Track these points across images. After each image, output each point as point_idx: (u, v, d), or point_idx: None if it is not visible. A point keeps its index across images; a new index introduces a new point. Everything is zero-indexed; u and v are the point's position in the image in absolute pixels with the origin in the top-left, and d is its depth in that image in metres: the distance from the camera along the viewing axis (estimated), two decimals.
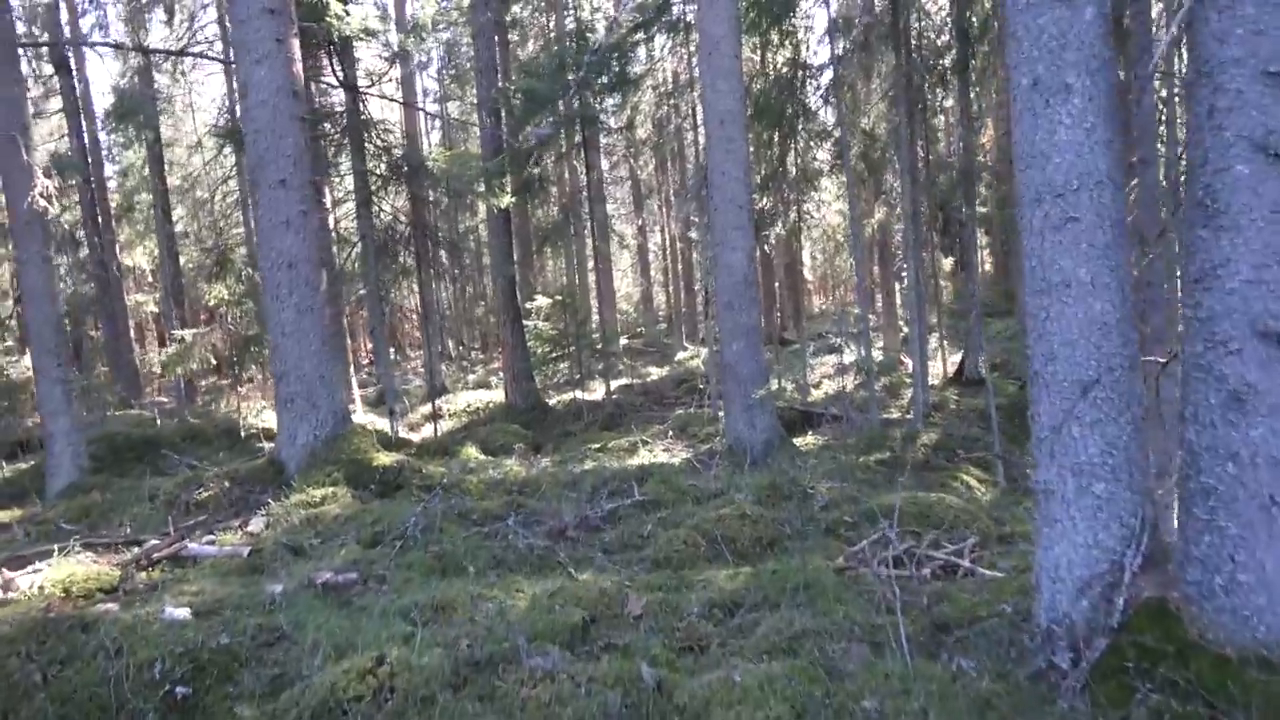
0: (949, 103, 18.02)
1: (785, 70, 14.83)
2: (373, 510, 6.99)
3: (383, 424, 16.66)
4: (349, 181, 16.27)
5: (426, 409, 19.23)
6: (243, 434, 12.40)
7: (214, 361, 13.27)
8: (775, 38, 14.80)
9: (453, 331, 34.26)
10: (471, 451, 12.01)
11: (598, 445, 12.99)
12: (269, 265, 8.29)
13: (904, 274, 26.90)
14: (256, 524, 6.93)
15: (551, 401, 18.95)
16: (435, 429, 13.71)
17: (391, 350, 35.05)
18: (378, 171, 12.99)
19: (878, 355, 22.75)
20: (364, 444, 8.41)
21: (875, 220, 19.70)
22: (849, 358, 23.26)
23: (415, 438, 15.68)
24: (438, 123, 30.95)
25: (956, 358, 19.99)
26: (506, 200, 13.55)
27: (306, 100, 11.81)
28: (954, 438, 12.64)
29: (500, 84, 16.75)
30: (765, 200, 15.83)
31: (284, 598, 5.02)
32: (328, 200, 16.26)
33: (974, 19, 16.09)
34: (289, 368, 8.29)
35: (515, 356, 17.33)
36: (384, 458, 8.42)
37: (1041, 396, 3.39)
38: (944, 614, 4.25)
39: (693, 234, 23.12)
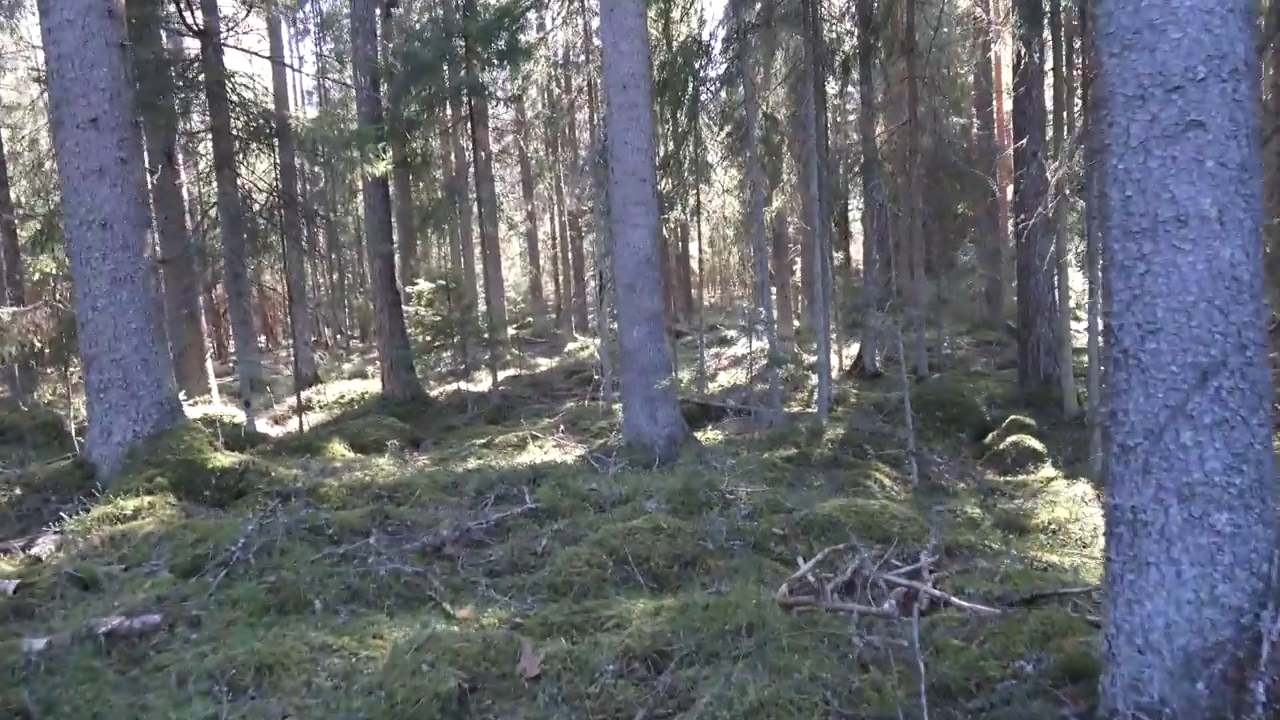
0: (850, 89, 17.34)
1: (690, 42, 13.74)
2: (199, 526, 5.52)
3: (243, 418, 14.87)
4: (207, 147, 14.41)
5: (300, 398, 17.44)
6: (71, 429, 10.56)
7: (37, 345, 11.33)
8: (680, 6, 13.70)
9: (330, 318, 32.07)
10: (338, 448, 10.49)
11: (483, 441, 11.63)
12: (76, 224, 6.64)
13: (796, 267, 26.34)
14: (45, 545, 5.37)
15: (434, 393, 17.43)
16: (301, 423, 12.11)
17: (263, 338, 32.62)
18: (236, 131, 11.29)
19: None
20: (198, 442, 6.87)
21: (773, 209, 18.87)
22: (742, 349, 22.49)
23: (278, 432, 13.97)
24: (315, 97, 28.73)
25: (850, 351, 19.41)
26: (383, 167, 12.03)
27: (156, 47, 10.13)
28: (860, 433, 11.82)
29: (380, 47, 15.12)
30: (665, 182, 14.73)
31: (45, 657, 3.59)
32: (179, 163, 14.34)
33: (876, 4, 15.42)
34: (101, 349, 6.69)
35: (393, 344, 15.75)
36: (223, 458, 6.90)
37: (1132, 386, 2.31)
38: (943, 674, 3.18)
39: (585, 218, 21.87)
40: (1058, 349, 12.79)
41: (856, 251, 28.91)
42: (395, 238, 17.06)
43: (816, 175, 12.49)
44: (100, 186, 6.61)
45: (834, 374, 16.94)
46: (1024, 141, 12.76)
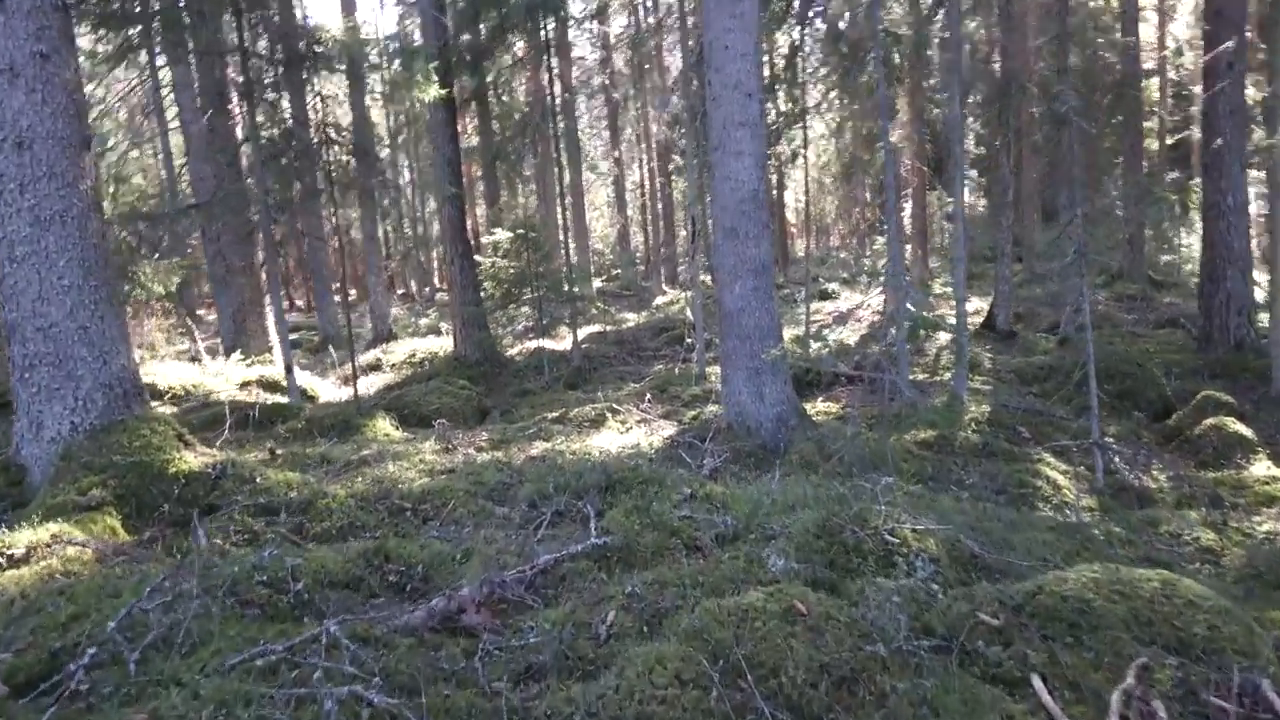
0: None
1: None
2: (99, 580, 3.58)
3: (316, 382, 13.24)
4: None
5: (369, 357, 15.79)
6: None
7: None
8: None
9: (415, 270, 30.55)
10: (382, 426, 8.60)
11: (556, 414, 9.62)
12: None
13: (905, 214, 23.51)
14: None
15: (511, 352, 15.55)
16: (355, 390, 10.33)
17: (351, 292, 31.34)
18: (259, 51, 9.38)
19: (878, 301, 19.47)
20: (159, 437, 4.98)
21: (892, 142, 16.20)
22: (847, 304, 19.96)
23: (345, 395, 12.25)
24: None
25: (975, 306, 16.73)
26: (433, 92, 9.97)
27: None
28: (1010, 411, 9.39)
29: None
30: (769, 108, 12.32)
31: None
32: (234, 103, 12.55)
33: None
34: (24, 314, 4.84)
35: (465, 299, 13.85)
36: (191, 460, 5.00)
37: None
38: None
39: (676, 160, 19.51)
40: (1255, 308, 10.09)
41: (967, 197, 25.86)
42: (462, 177, 15.05)
43: (957, 96, 9.92)
44: (14, 92, 4.70)
45: (950, 338, 14.39)
46: (1221, 49, 9.92)
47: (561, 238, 15.42)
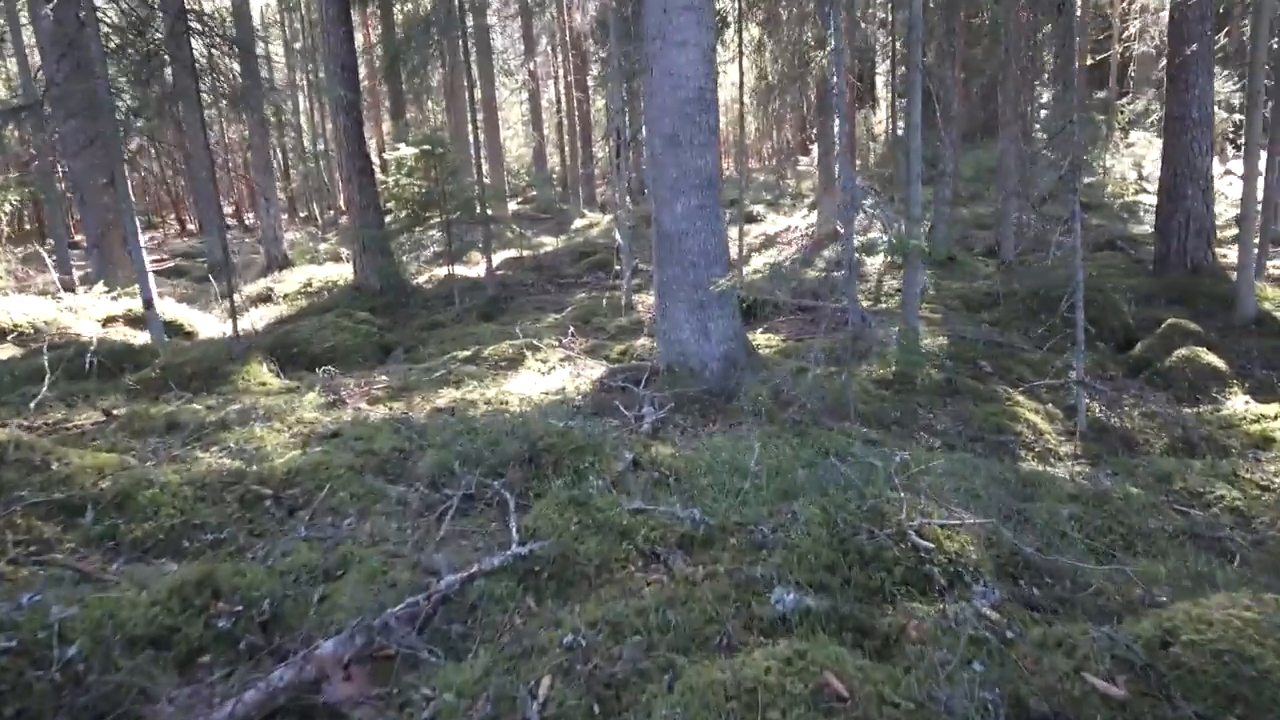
0: None
1: None
2: None
3: (197, 316, 11.53)
4: None
5: (258, 287, 14.02)
6: None
7: None
8: None
9: (317, 190, 28.17)
10: (257, 372, 7.12)
11: (468, 352, 8.28)
12: None
13: (835, 128, 22.35)
14: None
15: (420, 280, 14.00)
16: (234, 325, 8.75)
17: (249, 216, 28.84)
18: None
19: (805, 221, 18.41)
20: None
21: (822, 56, 14.98)
22: (777, 226, 18.87)
23: (227, 331, 10.60)
24: None
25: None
26: None
27: None
28: (970, 343, 8.46)
29: None
30: None
31: None
32: None
33: None
34: None
35: (365, 221, 12.21)
36: None
37: None
38: None
39: (597, 63, 17.88)
40: (1216, 227, 9.32)
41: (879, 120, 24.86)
42: (358, 82, 13.26)
43: None
44: None
45: (885, 260, 13.43)
46: None
47: (473, 155, 13.78)
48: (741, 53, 12.63)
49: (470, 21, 14.62)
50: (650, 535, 3.10)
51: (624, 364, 7.56)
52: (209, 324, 11.48)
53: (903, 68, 15.18)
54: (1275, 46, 9.02)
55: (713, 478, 3.99)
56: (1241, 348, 8.30)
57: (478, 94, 22.17)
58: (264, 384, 6.79)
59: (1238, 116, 16.61)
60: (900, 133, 17.39)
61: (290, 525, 3.65)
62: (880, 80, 26.38)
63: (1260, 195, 8.62)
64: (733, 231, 15.20)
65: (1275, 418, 6.59)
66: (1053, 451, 6.20)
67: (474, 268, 14.49)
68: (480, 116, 21.00)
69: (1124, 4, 19.65)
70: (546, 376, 7.30)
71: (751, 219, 20.32)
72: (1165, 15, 19.02)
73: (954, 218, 16.72)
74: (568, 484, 3.63)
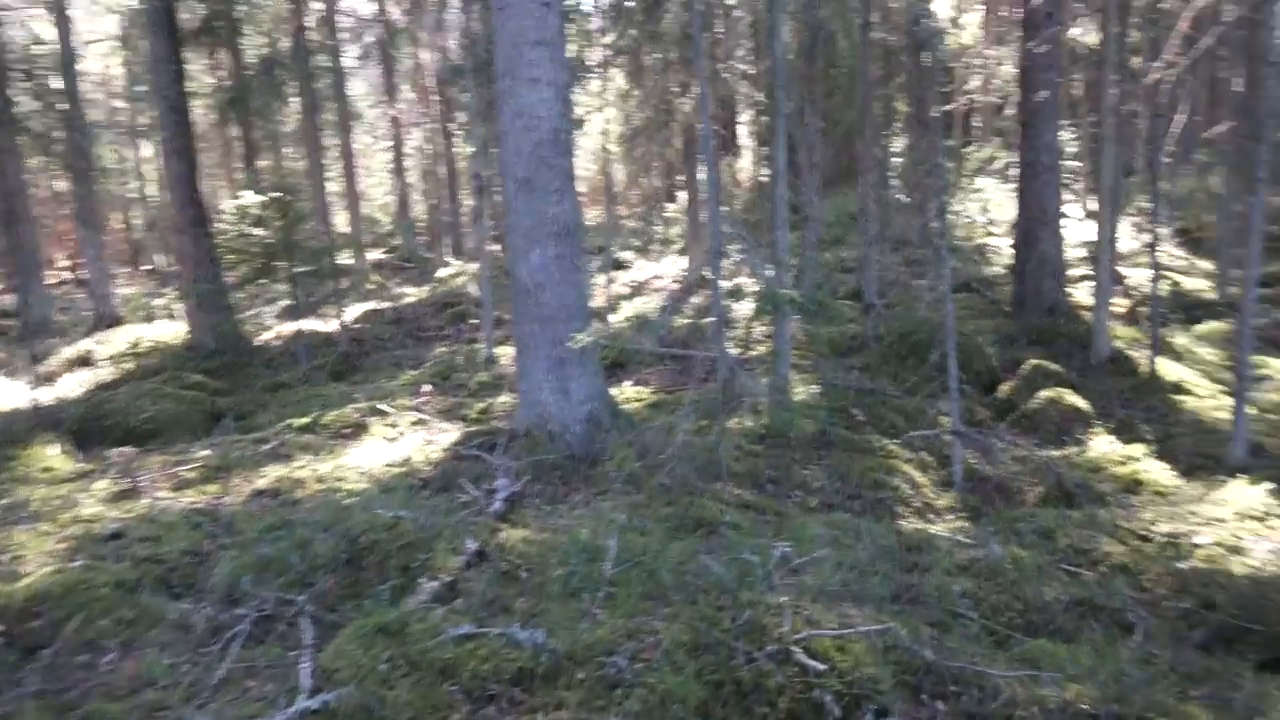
0: None
1: None
2: None
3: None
4: None
5: (80, 348, 12.58)
6: None
7: None
8: None
9: (160, 241, 26.22)
10: (44, 456, 6.06)
11: (308, 418, 7.42)
12: None
13: (702, 175, 22.42)
14: None
15: (268, 336, 12.89)
16: (35, 396, 7.58)
17: (74, 266, 26.58)
18: None
19: (675, 267, 18.20)
20: None
21: (686, 104, 14.86)
22: (646, 273, 18.57)
23: (43, 398, 9.24)
24: None
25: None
26: None
27: None
28: (842, 390, 8.19)
29: None
30: None
31: None
32: None
33: None
34: None
35: (199, 275, 11.12)
36: None
37: None
38: None
39: (461, 109, 17.30)
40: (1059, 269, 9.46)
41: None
42: (189, 128, 12.23)
43: (779, 34, 8.48)
44: None
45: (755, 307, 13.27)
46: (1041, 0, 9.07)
47: (329, 203, 12.88)
48: (607, 98, 12.30)
49: (325, 63, 13.78)
50: (480, 670, 2.47)
51: (481, 427, 6.87)
52: (17, 393, 10.11)
53: (766, 116, 15.21)
54: (1128, 92, 9.38)
55: (568, 569, 3.39)
56: (1101, 387, 8.34)
57: (334, 139, 21.15)
58: (50, 469, 5.76)
59: (1074, 163, 17.43)
60: (766, 179, 17.48)
61: (23, 673, 2.82)
62: (744, 129, 26.78)
63: (1111, 238, 8.77)
64: (601, 279, 14.78)
65: (1140, 459, 6.51)
66: (931, 506, 5.89)
67: (331, 322, 13.50)
68: (339, 163, 20.01)
69: (966, 59, 20.55)
70: (394, 444, 6.54)
71: (620, 266, 20.00)
72: (1004, 69, 19.97)
73: (819, 263, 16.84)
74: (385, 600, 2.95)
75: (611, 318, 12.99)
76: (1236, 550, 4.43)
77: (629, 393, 8.81)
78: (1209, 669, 3.12)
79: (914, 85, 16.74)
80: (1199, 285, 12.63)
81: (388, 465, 5.83)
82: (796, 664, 2.34)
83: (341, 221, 22.08)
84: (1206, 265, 13.85)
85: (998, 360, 9.07)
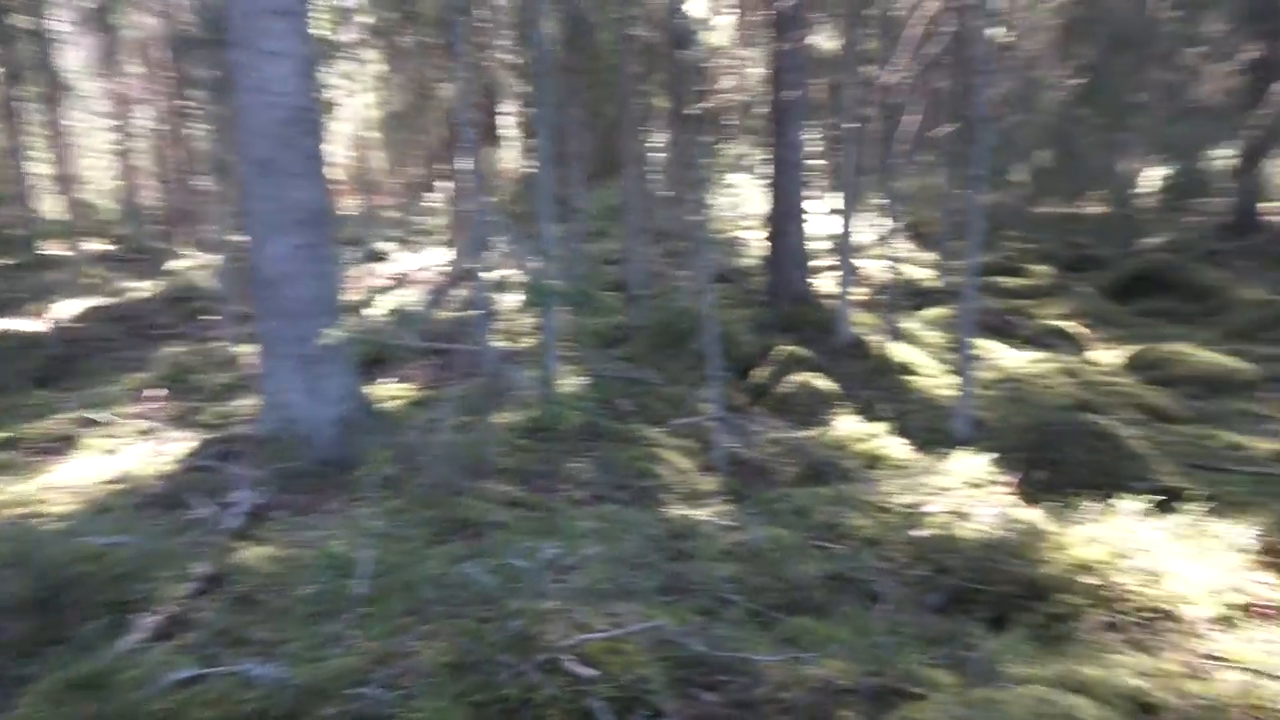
0: None
1: None
2: None
3: None
4: None
5: None
6: None
7: None
8: None
9: None
10: None
11: (6, 433, 6.37)
12: None
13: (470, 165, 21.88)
14: None
15: None
16: None
17: None
18: None
19: (438, 259, 17.63)
20: None
21: (448, 89, 14.39)
22: (409, 265, 17.84)
23: None
24: None
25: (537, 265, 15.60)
26: None
27: None
28: (608, 380, 8.22)
29: None
30: None
31: None
32: None
33: None
34: None
35: None
36: None
37: None
38: None
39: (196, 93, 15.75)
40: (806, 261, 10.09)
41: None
42: None
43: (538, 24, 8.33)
44: None
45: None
46: (790, 2, 9.56)
47: (33, 184, 11.24)
48: (364, 80, 11.61)
49: (26, 24, 11.96)
50: (204, 719, 2.13)
51: (220, 434, 6.21)
52: None
53: (531, 107, 15.02)
54: (865, 96, 10.11)
55: (316, 588, 3.07)
56: (845, 370, 8.93)
57: (44, 115, 18.55)
58: None
59: (817, 161, 18.70)
60: (532, 170, 17.31)
61: None
62: (507, 119, 26.46)
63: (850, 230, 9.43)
64: (357, 271, 14.00)
65: (880, 436, 7.02)
66: (696, 491, 6.01)
67: (40, 321, 11.80)
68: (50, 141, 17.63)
69: (719, 59, 21.45)
70: (114, 458, 5.76)
71: (378, 258, 19.08)
72: (754, 70, 21.04)
73: (585, 254, 16.94)
74: (89, 645, 2.51)
75: (369, 312, 12.33)
76: (964, 517, 4.86)
77: (392, 390, 8.36)
78: (947, 631, 3.34)
79: (672, 82, 17.25)
80: (924, 274, 13.93)
81: (105, 482, 5.11)
82: (567, 673, 2.21)
83: (55, 207, 19.46)
84: (930, 256, 15.34)
85: (753, 347, 9.50)
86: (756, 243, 17.76)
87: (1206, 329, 10.54)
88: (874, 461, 6.63)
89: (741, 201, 21.01)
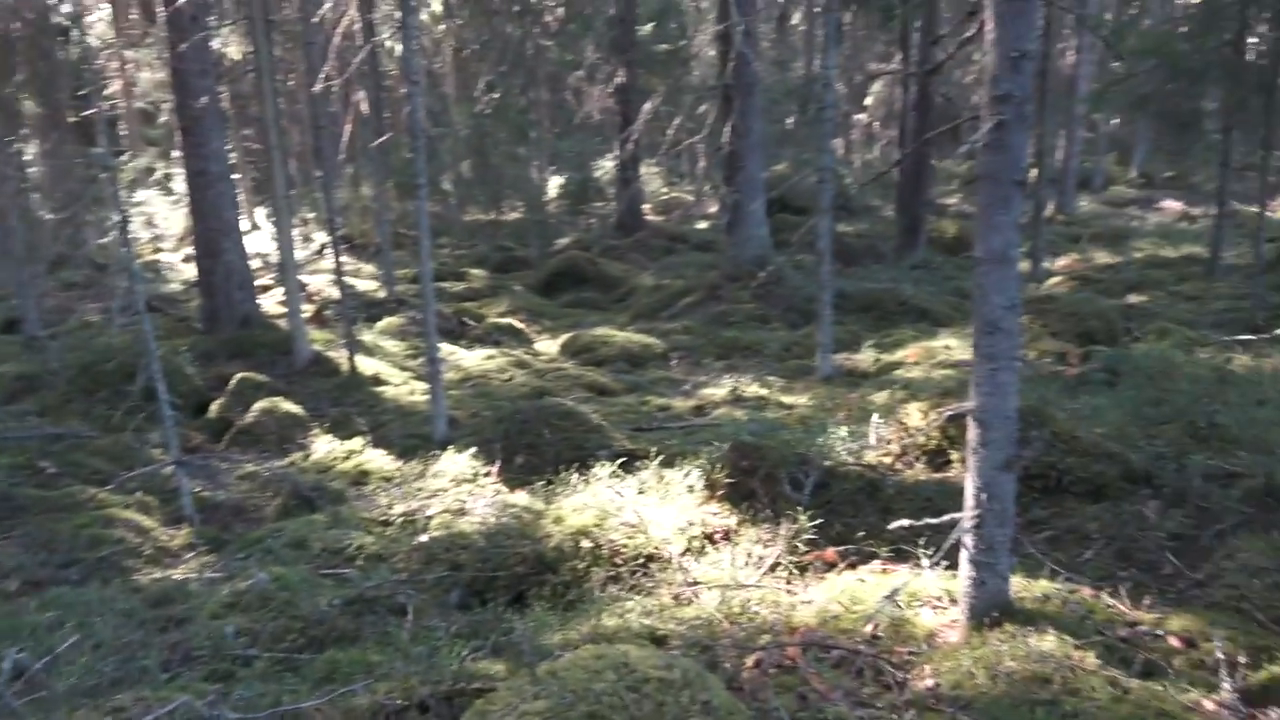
0: None
1: None
2: None
3: None
4: None
5: None
6: None
7: None
8: None
9: None
10: None
11: None
12: None
13: None
14: None
15: None
16: None
17: None
18: None
19: None
20: None
21: None
22: None
23: None
24: None
25: None
26: None
27: None
28: (17, 442, 6.67)
29: None
30: None
31: None
32: None
33: None
34: None
35: None
36: None
37: None
38: None
39: None
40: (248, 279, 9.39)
41: None
42: None
43: None
44: None
45: None
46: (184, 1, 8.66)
47: None
48: None
49: None
50: None
51: None
52: None
53: None
54: (282, 107, 9.55)
55: None
56: (309, 390, 8.54)
57: None
58: None
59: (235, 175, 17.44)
60: None
61: None
62: None
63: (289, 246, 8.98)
64: None
65: (361, 451, 6.88)
66: (167, 549, 5.25)
67: None
68: None
69: (104, 60, 18.66)
70: None
71: None
72: (148, 74, 18.79)
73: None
74: None
75: None
76: (462, 513, 5.02)
77: None
78: (477, 623, 3.43)
79: (43, 84, 14.64)
80: (368, 286, 13.95)
81: None
82: None
83: None
84: (370, 268, 15.41)
85: (201, 379, 8.56)
86: (181, 265, 16.02)
87: (619, 313, 12.35)
88: (362, 477, 6.47)
89: (155, 220, 18.69)
